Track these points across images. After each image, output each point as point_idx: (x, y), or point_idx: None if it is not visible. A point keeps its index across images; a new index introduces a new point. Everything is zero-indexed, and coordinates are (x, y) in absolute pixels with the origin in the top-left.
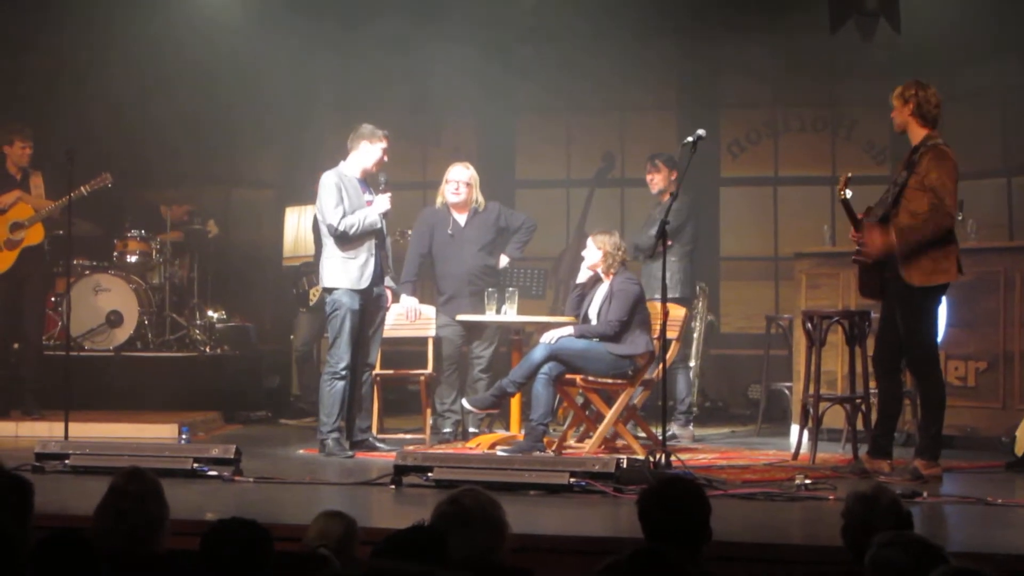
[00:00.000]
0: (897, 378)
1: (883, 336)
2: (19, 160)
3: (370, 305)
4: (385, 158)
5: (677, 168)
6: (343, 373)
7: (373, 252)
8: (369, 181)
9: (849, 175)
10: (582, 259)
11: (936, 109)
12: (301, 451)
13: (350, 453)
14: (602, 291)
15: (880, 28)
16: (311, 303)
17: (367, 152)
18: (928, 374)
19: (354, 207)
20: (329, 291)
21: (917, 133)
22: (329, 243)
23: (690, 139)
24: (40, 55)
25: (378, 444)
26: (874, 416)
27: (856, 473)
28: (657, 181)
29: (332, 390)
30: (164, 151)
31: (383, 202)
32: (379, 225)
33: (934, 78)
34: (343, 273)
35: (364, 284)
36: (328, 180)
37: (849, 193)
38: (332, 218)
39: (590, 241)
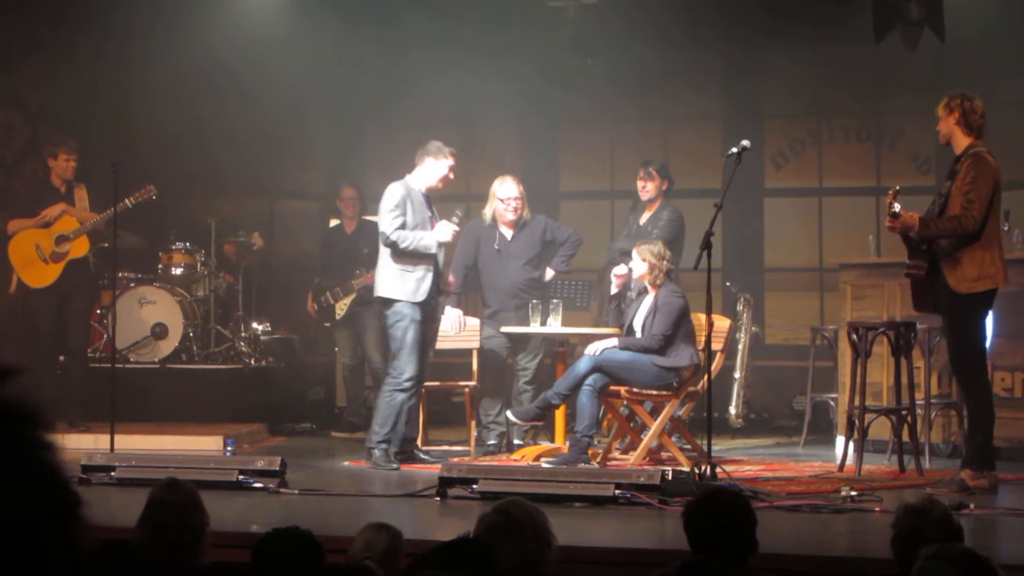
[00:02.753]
0: None
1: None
2: (64, 173)
3: (427, 318)
4: (451, 175)
5: (669, 179)
6: (406, 385)
7: (431, 268)
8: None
9: (897, 188)
10: (613, 269)
11: (981, 119)
12: (346, 463)
13: (395, 465)
14: (647, 303)
15: (924, 38)
16: (338, 317)
17: (432, 168)
18: (974, 383)
19: (417, 222)
20: (387, 302)
21: (961, 142)
22: (385, 254)
23: (734, 150)
24: (82, 68)
25: (423, 456)
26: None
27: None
28: (650, 189)
29: (391, 401)
30: (208, 163)
31: (445, 232)
32: (433, 251)
33: (979, 87)
34: (400, 285)
35: (421, 297)
36: (395, 189)
37: (898, 206)
38: (386, 227)
39: (635, 252)
